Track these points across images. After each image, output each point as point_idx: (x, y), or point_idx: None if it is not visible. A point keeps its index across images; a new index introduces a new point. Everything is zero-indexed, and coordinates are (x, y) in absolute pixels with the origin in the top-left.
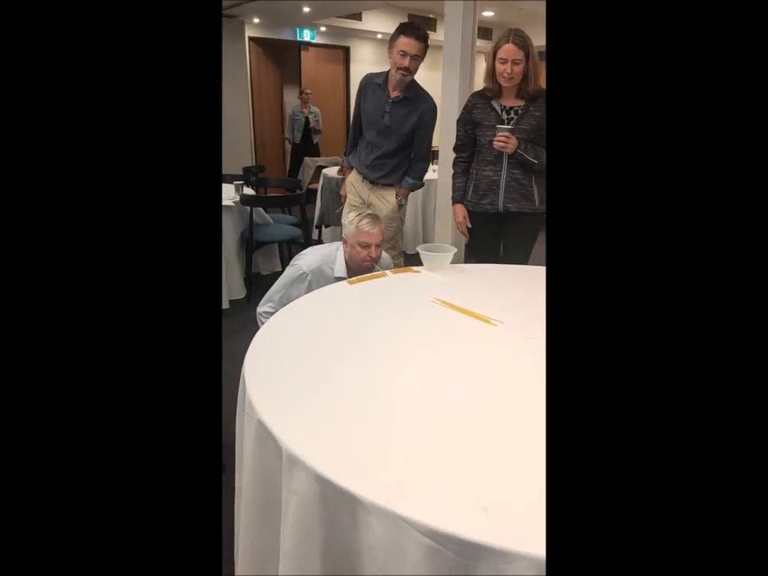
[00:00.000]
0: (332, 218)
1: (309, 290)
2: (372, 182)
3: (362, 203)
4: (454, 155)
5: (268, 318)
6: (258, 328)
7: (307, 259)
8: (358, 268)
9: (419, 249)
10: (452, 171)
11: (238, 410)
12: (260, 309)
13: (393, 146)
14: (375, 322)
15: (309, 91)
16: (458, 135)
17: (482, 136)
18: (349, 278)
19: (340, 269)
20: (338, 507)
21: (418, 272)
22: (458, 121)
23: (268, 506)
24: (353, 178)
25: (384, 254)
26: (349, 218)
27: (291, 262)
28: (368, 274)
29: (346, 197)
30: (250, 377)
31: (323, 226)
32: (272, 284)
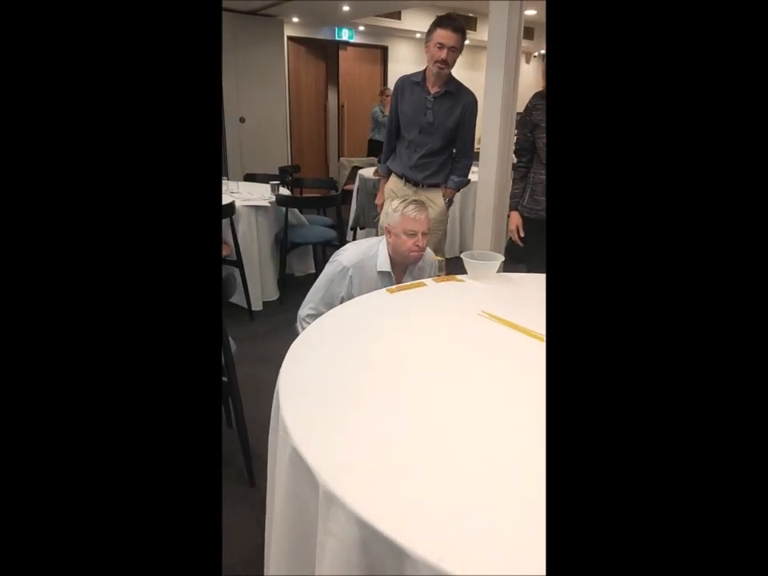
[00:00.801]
0: (368, 220)
1: (350, 286)
2: (417, 185)
3: None
4: (515, 159)
5: (310, 321)
6: (291, 331)
7: (347, 254)
8: (403, 260)
9: (463, 256)
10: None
11: (271, 427)
12: (302, 312)
13: (438, 143)
14: (418, 337)
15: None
16: (517, 139)
17: (539, 139)
18: (393, 271)
19: (383, 263)
20: (381, 558)
21: (463, 281)
22: (518, 123)
23: (302, 543)
24: (393, 184)
25: (428, 249)
26: (393, 205)
27: (331, 259)
28: (409, 283)
29: (382, 205)
30: (285, 396)
31: (358, 228)
32: (306, 286)
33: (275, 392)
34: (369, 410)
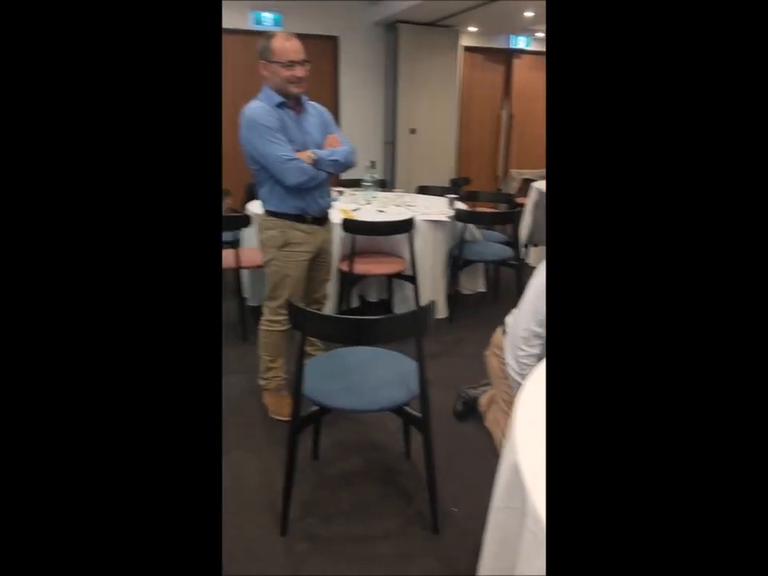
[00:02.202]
0: (542, 237)
1: None
2: None
3: None
4: None
5: (526, 347)
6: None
7: None
8: None
9: None
10: None
11: (498, 501)
12: (514, 339)
13: None
14: None
15: None
16: None
17: None
18: None
19: None
20: None
21: None
22: None
23: None
24: None
25: None
26: None
27: (538, 268)
28: None
29: None
30: (528, 467)
31: (532, 246)
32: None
33: (503, 459)
34: None
